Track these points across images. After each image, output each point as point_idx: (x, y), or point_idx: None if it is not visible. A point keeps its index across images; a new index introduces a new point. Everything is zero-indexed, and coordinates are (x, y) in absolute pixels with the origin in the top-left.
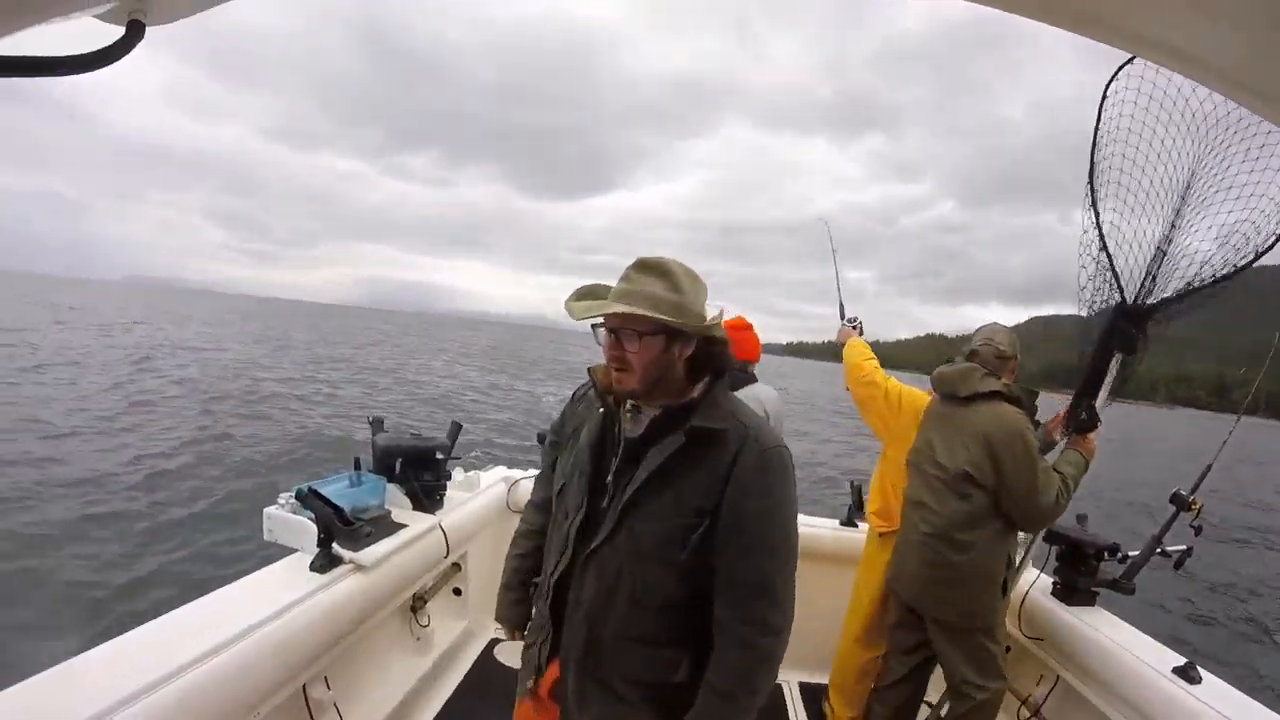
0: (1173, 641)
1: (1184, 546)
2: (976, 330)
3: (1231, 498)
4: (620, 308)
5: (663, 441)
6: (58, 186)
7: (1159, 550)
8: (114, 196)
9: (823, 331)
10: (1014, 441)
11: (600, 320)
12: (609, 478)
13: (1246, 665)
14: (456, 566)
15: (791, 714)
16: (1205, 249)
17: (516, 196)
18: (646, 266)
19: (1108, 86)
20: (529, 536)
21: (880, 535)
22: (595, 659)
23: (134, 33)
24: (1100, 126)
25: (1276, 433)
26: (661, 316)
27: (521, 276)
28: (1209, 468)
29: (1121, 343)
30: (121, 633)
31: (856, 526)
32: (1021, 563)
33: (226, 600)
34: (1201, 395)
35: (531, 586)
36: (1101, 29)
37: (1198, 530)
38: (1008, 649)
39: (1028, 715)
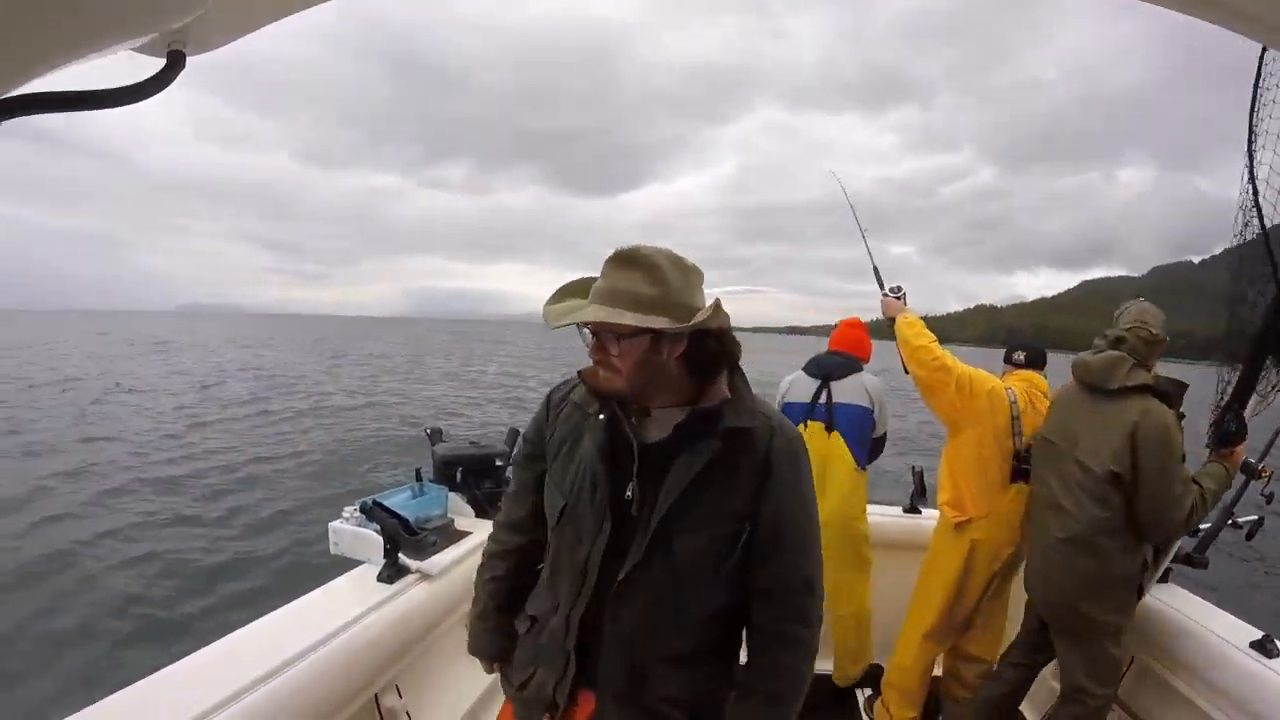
0: (1249, 614)
1: (1255, 516)
2: (1123, 309)
3: None
4: (592, 315)
5: (695, 447)
6: (102, 225)
7: (1230, 522)
8: (159, 230)
9: (870, 310)
10: (1158, 444)
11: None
12: (628, 492)
13: None
14: None
15: (861, 705)
16: None
17: (553, 197)
18: (626, 260)
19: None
20: (503, 558)
21: (955, 525)
22: (639, 686)
23: (174, 63)
24: (1260, 82)
25: None
26: (631, 323)
27: (563, 276)
28: (1277, 432)
29: (1278, 346)
30: (197, 648)
31: (920, 513)
32: (1158, 565)
33: (297, 613)
34: None
35: (528, 620)
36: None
37: (1268, 498)
38: None
39: None
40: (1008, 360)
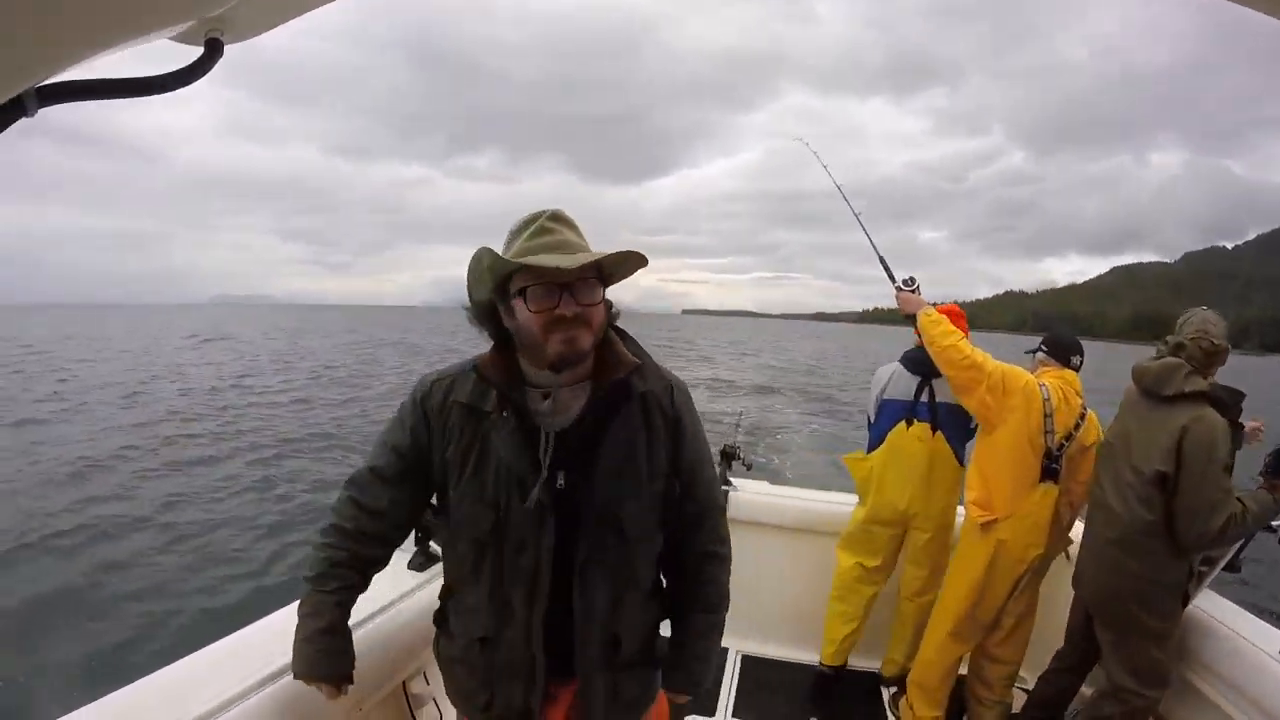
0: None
1: None
2: (1186, 317)
3: None
4: (599, 254)
5: (618, 420)
6: (138, 224)
7: (1264, 525)
8: (191, 226)
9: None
10: (1203, 447)
11: (528, 283)
12: (559, 483)
13: None
14: None
15: (886, 702)
16: None
17: (580, 185)
18: (560, 219)
19: None
20: (354, 567)
21: (981, 526)
22: (616, 651)
23: (213, 51)
24: None
25: None
26: (642, 260)
27: None
28: None
29: None
30: (228, 634)
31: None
32: (1205, 575)
33: None
34: None
35: (477, 644)
36: None
37: None
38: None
39: None
40: (1066, 363)
